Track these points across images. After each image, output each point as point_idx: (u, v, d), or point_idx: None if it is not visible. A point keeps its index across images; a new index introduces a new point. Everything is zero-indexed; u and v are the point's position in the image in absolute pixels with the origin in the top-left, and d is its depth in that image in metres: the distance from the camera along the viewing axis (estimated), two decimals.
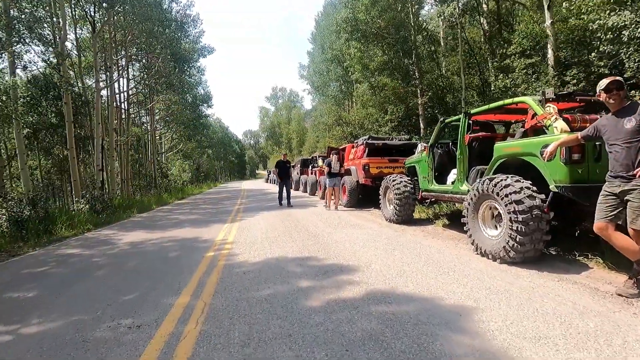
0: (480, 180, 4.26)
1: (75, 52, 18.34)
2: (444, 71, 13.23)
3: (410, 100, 13.78)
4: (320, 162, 16.32)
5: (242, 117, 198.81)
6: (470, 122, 5.19)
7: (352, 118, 21.36)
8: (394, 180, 6.80)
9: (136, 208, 12.81)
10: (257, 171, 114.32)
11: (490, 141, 5.11)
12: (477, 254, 4.22)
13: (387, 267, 3.90)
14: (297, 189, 21.19)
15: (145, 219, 10.48)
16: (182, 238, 6.67)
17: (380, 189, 7.42)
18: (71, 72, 20.08)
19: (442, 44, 14.98)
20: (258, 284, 3.57)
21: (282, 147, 65.04)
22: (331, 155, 10.23)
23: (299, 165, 21.99)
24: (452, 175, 5.77)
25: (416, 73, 11.95)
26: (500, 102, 4.84)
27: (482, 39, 12.34)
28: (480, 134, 5.37)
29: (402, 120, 14.91)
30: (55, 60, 13.62)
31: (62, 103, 14.02)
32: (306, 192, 18.71)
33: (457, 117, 5.71)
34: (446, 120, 5.91)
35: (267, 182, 48.54)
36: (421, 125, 12.24)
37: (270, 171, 48.53)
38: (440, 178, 6.10)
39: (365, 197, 10.34)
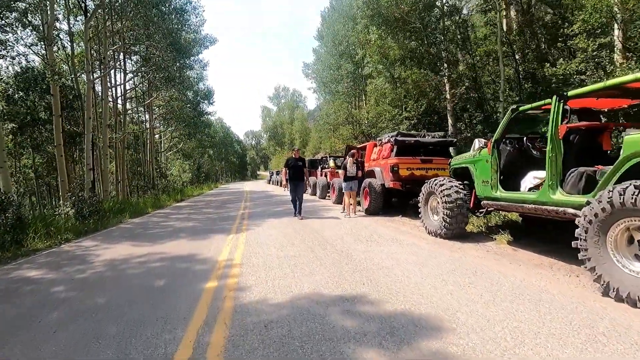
0: (612, 189, 2.89)
1: (68, 43, 17.07)
2: (477, 60, 11.86)
3: (435, 94, 12.38)
4: (331, 162, 14.99)
5: (244, 117, 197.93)
6: (567, 107, 3.82)
7: (363, 116, 20.00)
8: (441, 185, 5.44)
9: (129, 212, 11.47)
10: (258, 172, 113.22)
11: (595, 133, 3.76)
12: (613, 298, 2.85)
13: (489, 324, 2.53)
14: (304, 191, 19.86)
15: (137, 226, 9.13)
16: (175, 256, 5.31)
17: (421, 194, 6.07)
18: (65, 67, 18.85)
19: (473, 32, 13.40)
20: (292, 355, 2.21)
21: (284, 147, 63.76)
22: (347, 157, 8.88)
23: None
24: (531, 179, 4.41)
25: (444, 63, 10.63)
26: (617, 80, 3.48)
27: (518, 25, 10.90)
28: (582, 123, 4.01)
29: (422, 117, 13.54)
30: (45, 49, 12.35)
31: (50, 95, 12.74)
32: (315, 195, 17.37)
33: (538, 103, 4.36)
34: (520, 109, 4.55)
35: (269, 183, 47.21)
36: (449, 121, 10.90)
37: (273, 172, 47.06)
38: (508, 182, 4.74)
39: (389, 202, 9.01)
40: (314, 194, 17.41)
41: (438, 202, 5.54)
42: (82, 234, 7.96)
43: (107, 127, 15.52)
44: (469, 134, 11.39)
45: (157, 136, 28.36)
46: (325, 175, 15.18)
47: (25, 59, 12.82)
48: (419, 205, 6.15)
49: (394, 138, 8.05)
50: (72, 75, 15.11)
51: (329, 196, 14.01)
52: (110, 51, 15.73)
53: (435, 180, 5.69)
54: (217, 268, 4.47)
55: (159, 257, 5.23)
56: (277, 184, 37.16)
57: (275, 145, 71.25)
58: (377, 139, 9.61)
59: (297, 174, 8.72)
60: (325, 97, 34.33)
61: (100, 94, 15.90)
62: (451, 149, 8.92)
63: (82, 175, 14.45)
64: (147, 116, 25.82)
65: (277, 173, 41.91)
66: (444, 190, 5.34)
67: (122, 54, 16.54)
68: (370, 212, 8.63)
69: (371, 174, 9.05)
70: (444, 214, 5.31)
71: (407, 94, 13.77)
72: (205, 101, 24.32)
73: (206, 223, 9.10)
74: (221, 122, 64.73)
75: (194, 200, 19.13)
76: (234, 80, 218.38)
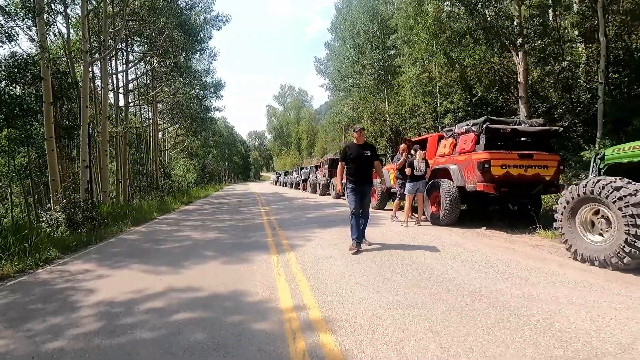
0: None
1: (64, 27, 15.19)
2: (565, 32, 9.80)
3: (501, 78, 10.36)
4: None
5: (247, 118, 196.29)
6: None
7: (390, 110, 18.10)
8: (618, 189, 3.53)
9: (132, 218, 9.56)
10: (261, 173, 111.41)
11: None
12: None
13: None
14: (324, 193, 17.96)
15: (142, 238, 7.21)
16: (210, 295, 3.42)
17: (561, 203, 4.17)
18: (63, 58, 16.99)
19: None
20: None
21: (290, 148, 61.85)
22: (415, 152, 6.95)
23: (325, 166, 18.74)
24: None
25: (520, 37, 8.65)
26: None
27: None
28: None
29: (473, 108, 11.59)
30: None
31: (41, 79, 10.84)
32: (339, 198, 15.47)
33: None
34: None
35: (275, 184, 45.18)
36: (522, 112, 8.97)
37: (280, 173, 44.81)
38: None
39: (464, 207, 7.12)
40: (339, 196, 15.52)
41: (609, 215, 3.63)
42: (71, 248, 6.06)
43: (107, 119, 13.62)
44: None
45: (160, 133, 26.48)
46: None
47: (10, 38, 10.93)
48: (557, 217, 4.24)
49: (482, 126, 6.13)
50: (67, 59, 13.23)
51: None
52: (112, 32, 13.85)
53: (599, 180, 3.76)
54: (290, 331, 2.56)
55: (187, 300, 3.32)
56: (287, 185, 35.24)
57: (281, 146, 69.16)
58: (445, 129, 7.69)
59: (363, 171, 5.08)
60: (339, 93, 32.43)
61: (99, 82, 14.03)
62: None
63: (78, 173, 12.58)
64: (149, 114, 23.97)
65: (286, 174, 39.96)
66: (627, 195, 3.43)
67: (124, 35, 14.65)
68: (443, 222, 6.71)
69: (440, 173, 7.15)
70: (628, 232, 3.39)
71: (461, 80, 11.83)
72: (214, 95, 22.36)
73: (231, 234, 7.19)
74: (225, 122, 62.79)
75: (203, 203, 17.22)
76: (234, 81, 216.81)
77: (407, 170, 6.81)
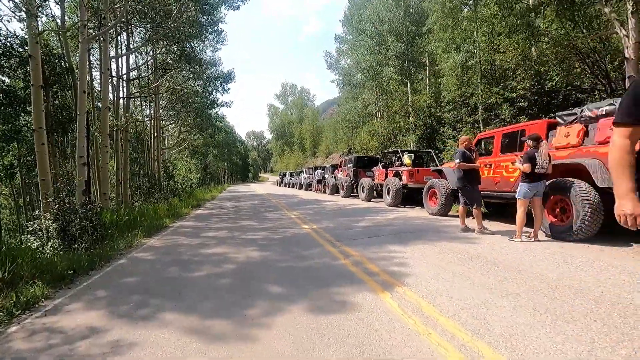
0: None
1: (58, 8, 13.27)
2: None
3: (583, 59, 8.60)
4: (406, 158, 11.34)
5: (244, 118, 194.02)
6: None
7: (423, 104, 16.31)
8: None
9: (142, 227, 7.68)
10: (260, 174, 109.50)
11: None
12: None
13: None
14: (348, 195, 16.17)
15: (163, 259, 5.32)
16: None
17: None
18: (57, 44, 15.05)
19: None
20: None
21: (293, 147, 59.91)
22: (540, 144, 5.14)
23: (349, 165, 16.98)
24: None
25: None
26: None
27: None
28: None
29: (540, 95, 9.82)
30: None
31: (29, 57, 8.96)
32: (369, 200, 13.77)
33: None
34: None
35: (279, 185, 43.20)
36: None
37: (285, 173, 42.67)
38: None
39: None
40: (369, 198, 13.78)
41: None
42: (66, 279, 4.20)
43: (107, 109, 11.71)
44: None
45: (162, 130, 24.50)
46: (398, 176, 11.48)
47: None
48: None
49: None
50: (60, 38, 11.35)
51: (430, 206, 10.38)
52: (112, 10, 11.96)
53: None
54: None
55: None
56: (294, 187, 33.28)
57: (283, 145, 66.99)
58: (559, 114, 5.90)
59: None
60: (350, 89, 30.65)
61: (98, 66, 12.15)
62: None
63: (71, 173, 10.71)
64: (149, 110, 22.01)
65: (292, 175, 38.04)
66: None
67: (125, 15, 12.75)
68: (577, 236, 4.94)
69: (562, 171, 5.40)
70: None
71: (529, 62, 10.08)
72: (221, 87, 20.40)
73: (278, 251, 5.36)
74: (224, 121, 60.64)
75: (214, 206, 15.33)
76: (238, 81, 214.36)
77: (526, 167, 5.04)
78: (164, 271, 4.49)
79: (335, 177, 19.29)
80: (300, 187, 30.22)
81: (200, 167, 34.91)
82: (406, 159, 11.17)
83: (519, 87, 10.34)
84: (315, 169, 24.68)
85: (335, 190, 19.04)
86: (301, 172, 32.35)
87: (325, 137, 50.04)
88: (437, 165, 12.28)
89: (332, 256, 4.93)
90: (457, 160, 5.93)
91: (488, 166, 7.03)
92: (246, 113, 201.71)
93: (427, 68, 18.16)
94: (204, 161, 38.37)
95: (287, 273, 4.16)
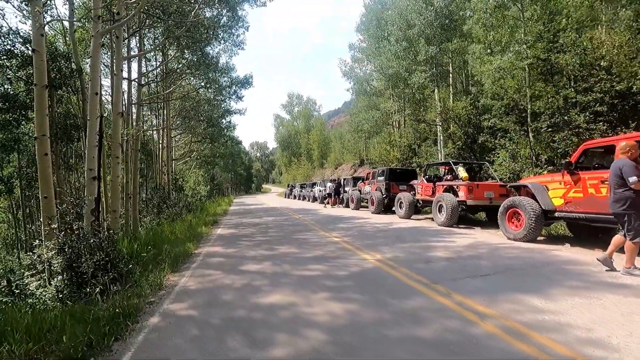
0: None
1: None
2: None
3: None
4: (461, 171, 9.92)
5: (248, 128, 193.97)
6: None
7: (461, 111, 14.96)
8: None
9: (167, 258, 6.19)
10: (263, 185, 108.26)
11: None
12: None
13: None
14: (378, 211, 14.71)
15: (210, 320, 3.74)
16: None
17: None
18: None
19: None
20: None
21: (301, 158, 58.56)
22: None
23: (380, 178, 15.56)
24: None
25: None
26: None
27: None
28: None
29: (613, 99, 8.42)
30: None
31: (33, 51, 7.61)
32: (409, 218, 12.32)
33: None
34: None
35: (288, 197, 41.66)
36: None
37: (294, 185, 40.97)
38: None
39: None
40: (408, 216, 12.32)
41: None
42: None
43: (120, 115, 10.34)
44: None
45: (170, 140, 23.15)
46: (452, 191, 10.02)
47: None
48: None
49: None
50: (66, 38, 10.08)
51: (508, 227, 8.92)
52: (124, 3, 10.71)
53: None
54: None
55: None
56: (305, 199, 31.75)
57: (290, 156, 65.39)
58: None
59: None
60: (365, 98, 29.45)
61: (108, 69, 10.85)
62: None
63: (79, 188, 9.30)
64: (158, 119, 20.71)
65: (302, 186, 36.56)
66: None
67: (140, 13, 11.51)
68: None
69: None
70: None
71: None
72: (235, 95, 19.14)
73: (365, 303, 3.83)
74: (233, 130, 59.43)
75: (232, 224, 13.81)
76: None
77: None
78: (221, 343, 3.00)
79: (360, 191, 17.85)
80: (313, 200, 28.78)
81: (208, 178, 33.46)
82: (462, 172, 9.74)
83: (594, 88, 8.98)
84: (332, 180, 23.31)
85: (358, 204, 17.64)
86: (314, 184, 30.91)
87: (333, 148, 48.79)
88: (494, 179, 10.87)
89: (452, 314, 3.44)
90: (635, 178, 4.19)
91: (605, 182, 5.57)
92: (249, 124, 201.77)
93: (464, 72, 16.95)
94: (211, 172, 36.95)
95: (410, 352, 2.66)
